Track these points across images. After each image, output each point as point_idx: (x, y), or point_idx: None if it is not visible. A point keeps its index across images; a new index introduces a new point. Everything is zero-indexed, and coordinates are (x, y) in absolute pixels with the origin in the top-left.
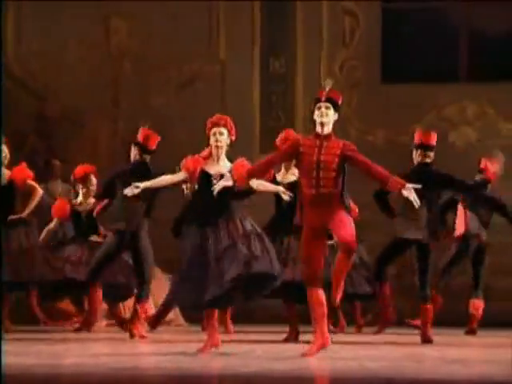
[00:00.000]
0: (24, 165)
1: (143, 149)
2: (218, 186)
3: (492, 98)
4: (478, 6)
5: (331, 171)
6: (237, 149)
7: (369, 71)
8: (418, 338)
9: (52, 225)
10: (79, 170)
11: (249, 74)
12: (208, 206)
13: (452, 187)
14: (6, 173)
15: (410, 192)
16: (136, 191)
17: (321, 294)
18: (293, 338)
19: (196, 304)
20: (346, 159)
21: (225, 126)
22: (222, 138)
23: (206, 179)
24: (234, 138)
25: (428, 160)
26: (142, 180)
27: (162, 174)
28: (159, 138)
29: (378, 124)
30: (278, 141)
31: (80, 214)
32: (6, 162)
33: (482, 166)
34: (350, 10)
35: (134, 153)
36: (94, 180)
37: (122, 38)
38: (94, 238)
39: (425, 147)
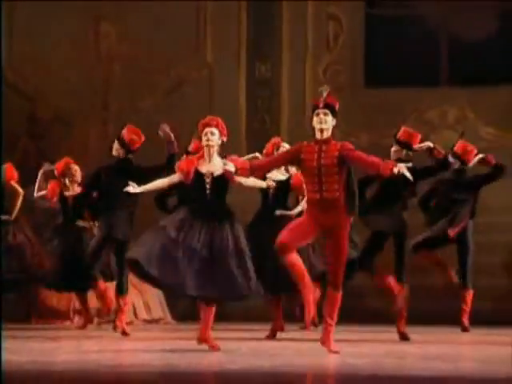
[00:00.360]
0: (10, 165)
1: (125, 147)
2: (223, 170)
3: (472, 102)
4: (458, 12)
5: (333, 175)
6: (224, 149)
7: (352, 75)
8: (396, 336)
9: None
10: (59, 165)
11: (235, 78)
12: (200, 203)
13: (432, 171)
14: None
15: (401, 168)
16: (133, 191)
17: (295, 257)
18: (274, 334)
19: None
20: (344, 159)
21: (216, 126)
22: (213, 137)
23: (198, 178)
24: (225, 138)
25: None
26: (125, 177)
27: (146, 170)
28: (143, 138)
29: (361, 127)
30: (266, 148)
31: (67, 200)
32: None
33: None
34: (334, 16)
35: (115, 148)
36: (75, 167)
37: (111, 43)
38: (80, 222)
39: (403, 145)
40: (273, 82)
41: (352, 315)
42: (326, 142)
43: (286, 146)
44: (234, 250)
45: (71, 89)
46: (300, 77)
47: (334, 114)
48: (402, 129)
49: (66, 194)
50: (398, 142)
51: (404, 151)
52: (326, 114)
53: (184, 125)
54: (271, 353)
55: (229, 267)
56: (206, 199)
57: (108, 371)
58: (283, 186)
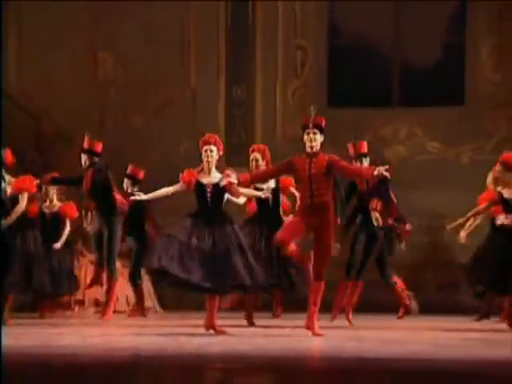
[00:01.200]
0: (28, 177)
1: (92, 154)
2: (224, 181)
3: (420, 121)
4: (408, 43)
5: (322, 182)
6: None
7: (317, 97)
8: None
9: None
10: (45, 176)
11: (215, 99)
12: (202, 209)
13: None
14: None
15: (380, 170)
16: (140, 198)
17: (292, 248)
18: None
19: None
20: (331, 169)
21: (214, 143)
22: (212, 154)
23: (200, 188)
24: (221, 152)
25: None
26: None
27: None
28: (101, 144)
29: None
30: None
31: (46, 217)
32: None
33: None
34: (301, 46)
35: (84, 159)
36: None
37: (107, 68)
38: (56, 245)
39: (359, 156)
40: (248, 102)
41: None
42: (316, 155)
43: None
44: (237, 246)
45: (72, 108)
46: (271, 98)
47: (321, 132)
48: (349, 145)
49: (46, 211)
50: (355, 157)
51: (362, 160)
52: (314, 133)
53: (171, 139)
54: (265, 334)
55: (233, 261)
56: (208, 206)
57: (106, 354)
58: (274, 190)
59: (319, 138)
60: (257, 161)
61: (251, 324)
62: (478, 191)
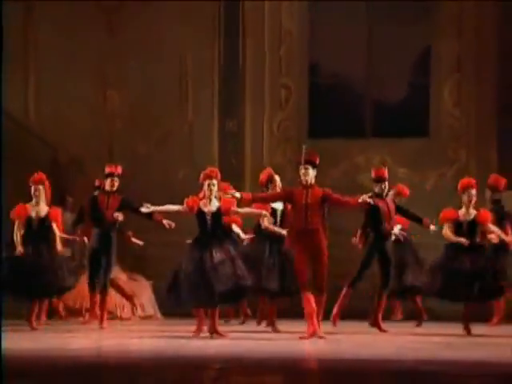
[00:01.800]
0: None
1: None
2: (231, 196)
3: (390, 150)
4: (379, 81)
5: (316, 211)
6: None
7: (299, 129)
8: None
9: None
10: (37, 175)
11: (210, 131)
12: (203, 232)
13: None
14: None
15: (364, 197)
16: (147, 210)
17: (310, 296)
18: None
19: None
20: (325, 200)
21: (216, 177)
22: (213, 187)
23: (201, 215)
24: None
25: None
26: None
27: None
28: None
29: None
30: (261, 177)
31: (32, 220)
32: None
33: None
34: (285, 85)
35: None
36: (47, 184)
37: (114, 104)
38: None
39: (378, 180)
40: (238, 134)
41: None
42: (311, 186)
43: (277, 179)
44: (229, 258)
45: (84, 139)
46: (259, 130)
47: (314, 166)
48: (373, 169)
49: (33, 214)
50: (375, 181)
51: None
52: (307, 169)
53: (170, 167)
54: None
55: (227, 274)
56: (208, 231)
57: (114, 354)
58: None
59: (311, 171)
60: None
61: (276, 331)
62: (440, 212)
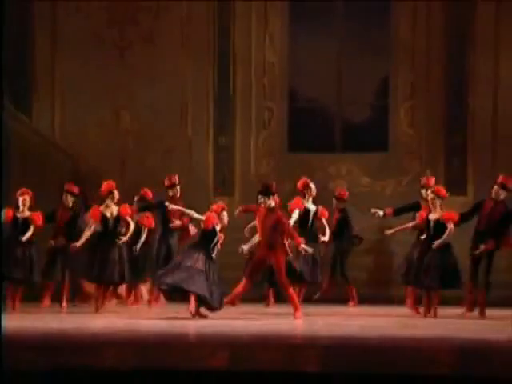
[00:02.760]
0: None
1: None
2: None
3: (356, 162)
4: (347, 104)
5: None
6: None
7: (281, 144)
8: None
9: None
10: (22, 191)
11: (206, 146)
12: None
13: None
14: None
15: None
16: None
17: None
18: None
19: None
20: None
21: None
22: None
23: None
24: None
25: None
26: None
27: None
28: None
29: (286, 177)
30: (299, 185)
31: (18, 220)
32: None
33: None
34: (269, 107)
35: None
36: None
37: (126, 123)
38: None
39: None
40: (230, 148)
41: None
42: (272, 210)
43: (312, 186)
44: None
45: (101, 152)
46: (247, 145)
47: (272, 195)
48: (424, 178)
49: (18, 215)
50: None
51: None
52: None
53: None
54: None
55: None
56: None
57: (126, 333)
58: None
59: (272, 199)
60: None
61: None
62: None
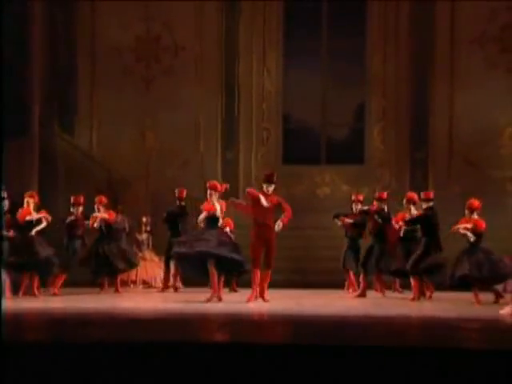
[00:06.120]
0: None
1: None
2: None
3: (337, 172)
4: (331, 125)
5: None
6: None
7: (276, 158)
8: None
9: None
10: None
11: (215, 160)
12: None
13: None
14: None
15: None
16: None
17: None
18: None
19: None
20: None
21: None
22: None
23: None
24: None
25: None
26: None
27: None
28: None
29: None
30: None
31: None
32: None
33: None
34: (266, 128)
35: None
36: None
37: (151, 141)
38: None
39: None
40: (234, 161)
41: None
42: (271, 195)
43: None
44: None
45: (129, 165)
46: (249, 159)
47: (273, 182)
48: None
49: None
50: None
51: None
52: (269, 186)
53: (188, 185)
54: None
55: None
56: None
57: (149, 313)
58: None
59: (271, 186)
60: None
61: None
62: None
